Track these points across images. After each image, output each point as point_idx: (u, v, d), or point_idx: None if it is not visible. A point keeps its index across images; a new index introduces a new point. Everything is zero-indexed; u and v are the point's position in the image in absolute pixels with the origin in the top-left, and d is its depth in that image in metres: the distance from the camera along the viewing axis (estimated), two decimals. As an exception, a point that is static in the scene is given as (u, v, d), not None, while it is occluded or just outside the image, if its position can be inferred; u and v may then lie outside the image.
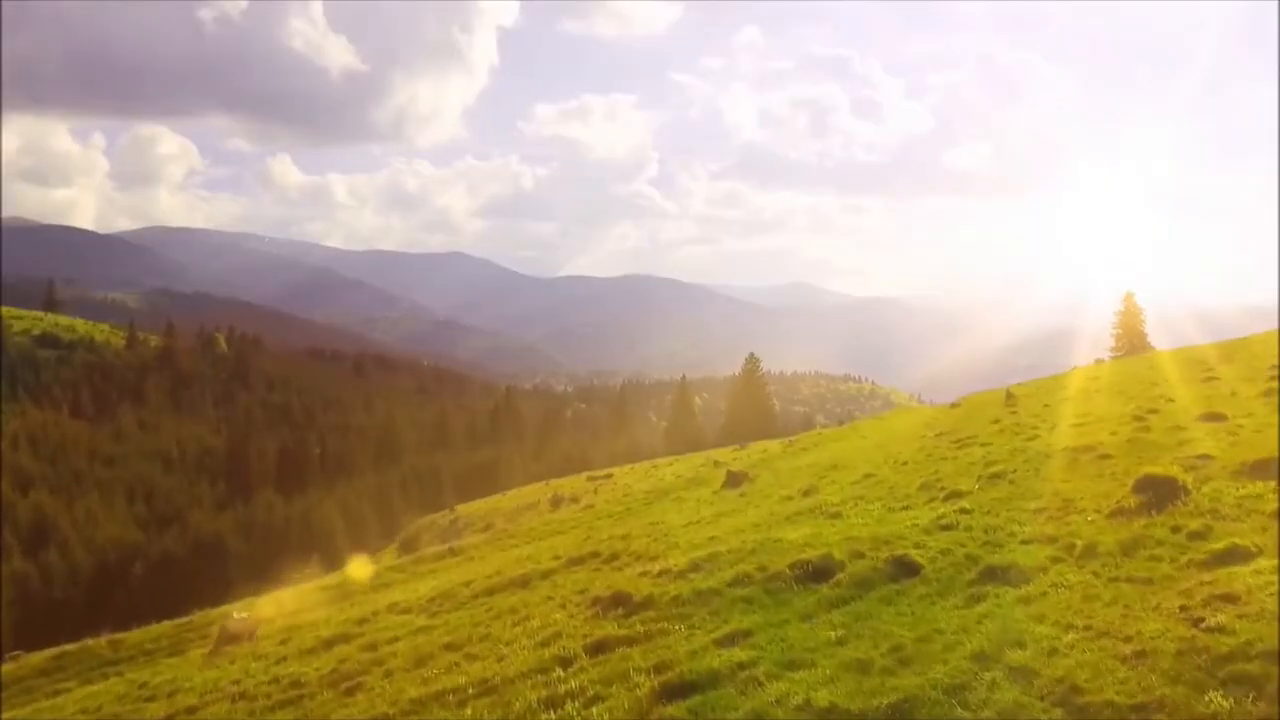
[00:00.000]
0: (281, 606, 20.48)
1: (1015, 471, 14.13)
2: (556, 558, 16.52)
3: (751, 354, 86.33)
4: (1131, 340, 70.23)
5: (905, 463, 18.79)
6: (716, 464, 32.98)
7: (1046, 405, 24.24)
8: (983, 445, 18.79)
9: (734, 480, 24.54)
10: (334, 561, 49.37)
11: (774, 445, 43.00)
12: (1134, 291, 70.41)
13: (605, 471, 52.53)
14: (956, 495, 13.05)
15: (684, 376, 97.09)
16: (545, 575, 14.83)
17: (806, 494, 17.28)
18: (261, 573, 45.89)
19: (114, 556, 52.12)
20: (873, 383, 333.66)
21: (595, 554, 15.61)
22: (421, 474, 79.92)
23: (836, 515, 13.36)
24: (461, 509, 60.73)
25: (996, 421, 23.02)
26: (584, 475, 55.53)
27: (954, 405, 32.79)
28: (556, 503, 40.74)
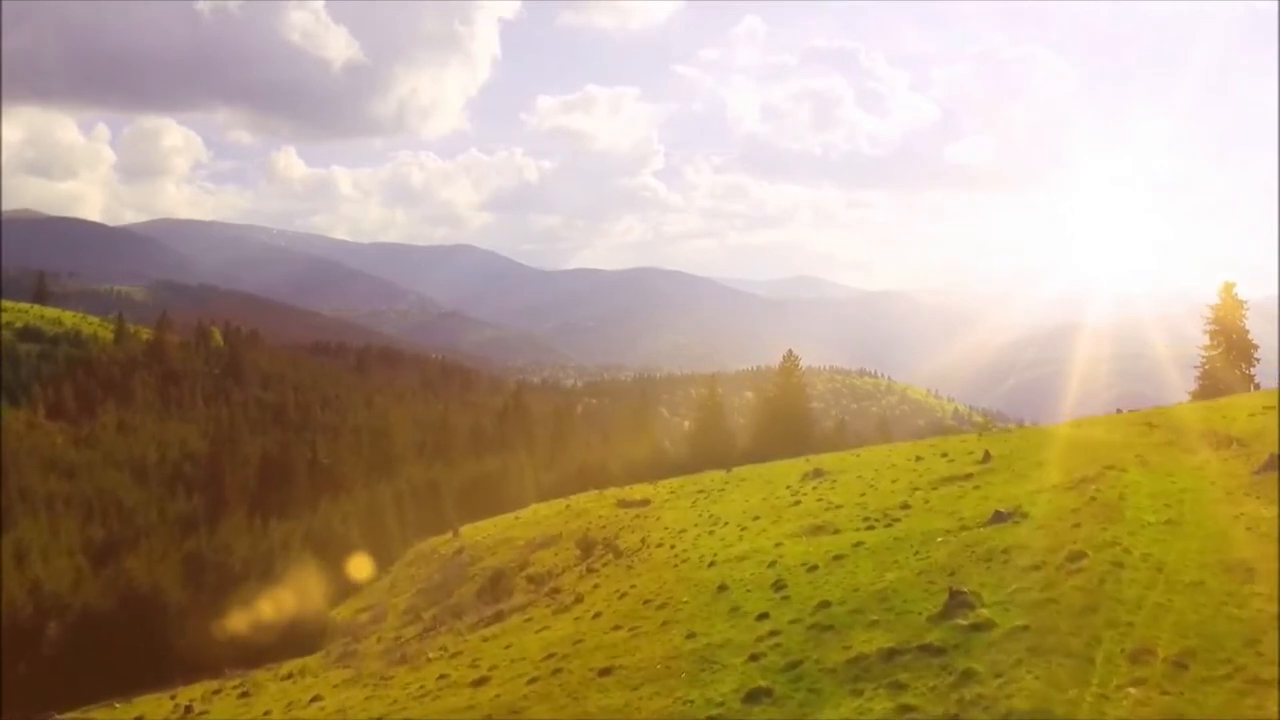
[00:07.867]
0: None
1: None
2: None
3: (789, 352, 78.08)
4: (1230, 338, 61.78)
5: None
6: (857, 543, 19.92)
7: None
8: None
9: None
10: (301, 604, 41.64)
11: (866, 463, 31.13)
12: (1234, 282, 62.08)
13: (640, 496, 44.26)
14: None
15: (714, 375, 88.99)
16: None
17: None
18: (207, 632, 37.93)
19: (28, 612, 43.09)
20: (888, 379, 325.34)
21: None
22: (420, 487, 71.63)
23: None
24: (467, 533, 52.67)
25: None
26: (612, 497, 47.25)
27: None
28: (587, 550, 32.29)
